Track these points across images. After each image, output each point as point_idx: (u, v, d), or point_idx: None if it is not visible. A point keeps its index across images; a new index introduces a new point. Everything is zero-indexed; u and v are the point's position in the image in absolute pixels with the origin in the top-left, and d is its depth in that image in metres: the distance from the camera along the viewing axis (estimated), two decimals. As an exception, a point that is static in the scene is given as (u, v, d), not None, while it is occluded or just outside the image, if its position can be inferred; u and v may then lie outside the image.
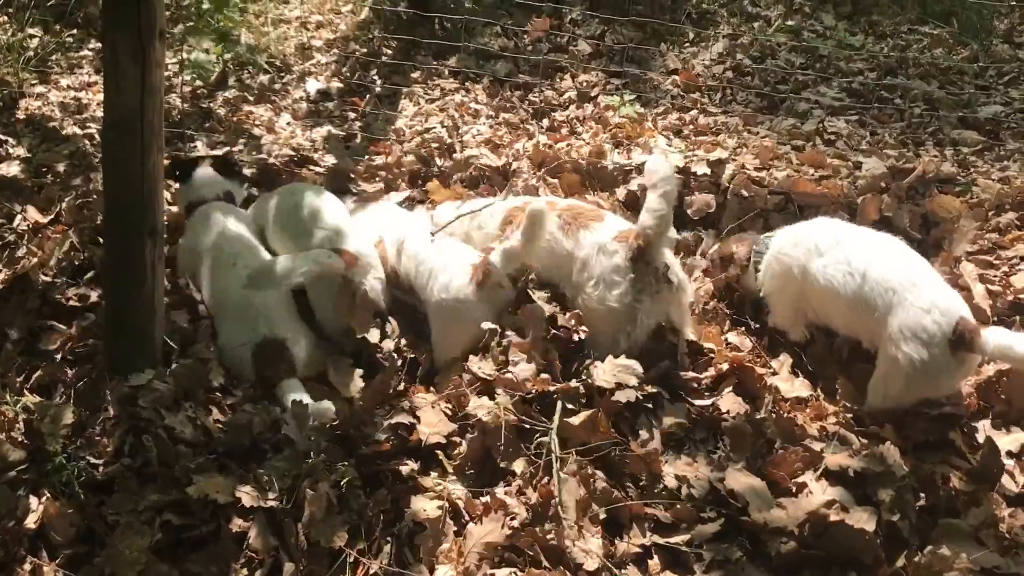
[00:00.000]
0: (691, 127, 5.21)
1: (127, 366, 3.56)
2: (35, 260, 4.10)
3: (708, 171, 4.62)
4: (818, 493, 3.11)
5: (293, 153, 4.96)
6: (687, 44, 6.51)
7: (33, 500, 3.17)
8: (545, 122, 5.47)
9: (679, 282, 3.67)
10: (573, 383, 3.46)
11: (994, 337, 3.33)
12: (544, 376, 3.47)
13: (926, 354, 3.34)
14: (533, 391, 3.45)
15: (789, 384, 3.73)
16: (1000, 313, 3.88)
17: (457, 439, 3.42)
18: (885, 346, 3.46)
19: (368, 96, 5.67)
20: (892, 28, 6.63)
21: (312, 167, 4.81)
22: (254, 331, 3.73)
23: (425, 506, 3.21)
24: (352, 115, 5.55)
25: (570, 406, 3.39)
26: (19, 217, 4.50)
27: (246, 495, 3.14)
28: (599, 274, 3.62)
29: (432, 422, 3.46)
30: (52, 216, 4.43)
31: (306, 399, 3.55)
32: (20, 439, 3.41)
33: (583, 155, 4.68)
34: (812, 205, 4.54)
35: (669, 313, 3.72)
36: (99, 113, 5.65)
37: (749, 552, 3.01)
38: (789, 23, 6.63)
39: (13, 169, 4.95)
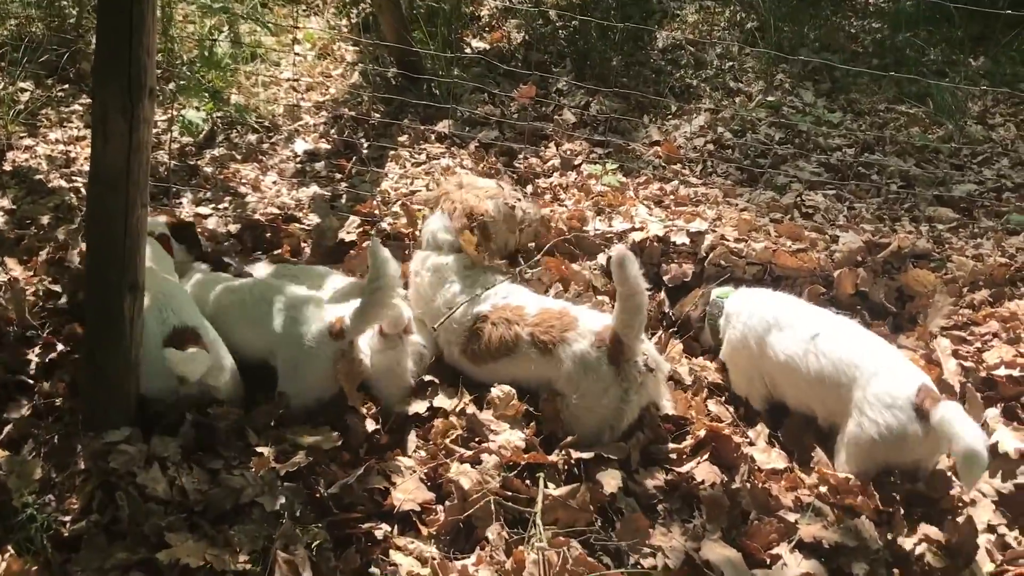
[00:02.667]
0: (671, 197, 5.29)
1: (103, 421, 3.54)
2: (9, 313, 4.08)
3: (687, 240, 4.69)
4: (792, 566, 3.10)
5: (278, 211, 4.99)
6: (669, 116, 6.65)
7: (-2, 558, 3.10)
8: (529, 188, 5.54)
9: (658, 365, 3.75)
10: (556, 458, 3.48)
11: (943, 410, 3.24)
12: (530, 452, 3.49)
13: (891, 418, 3.38)
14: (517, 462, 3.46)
15: (766, 455, 3.74)
16: (977, 387, 3.91)
17: (433, 506, 3.40)
18: (850, 418, 3.51)
19: (354, 157, 5.72)
20: (870, 106, 6.79)
21: (296, 224, 4.84)
22: (163, 323, 3.72)
23: (400, 561, 3.18)
24: (338, 175, 5.60)
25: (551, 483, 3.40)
26: (-1, 270, 4.49)
27: (215, 558, 3.10)
28: (586, 388, 3.65)
29: (408, 488, 3.43)
30: (31, 269, 4.42)
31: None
32: (-15, 494, 3.37)
33: (565, 221, 4.73)
34: (789, 276, 4.61)
35: (652, 396, 3.78)
36: (87, 167, 5.70)
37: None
38: (770, 99, 6.79)
39: (-1, 219, 4.97)
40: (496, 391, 3.72)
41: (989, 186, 5.71)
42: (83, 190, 5.39)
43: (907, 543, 3.29)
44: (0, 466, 3.47)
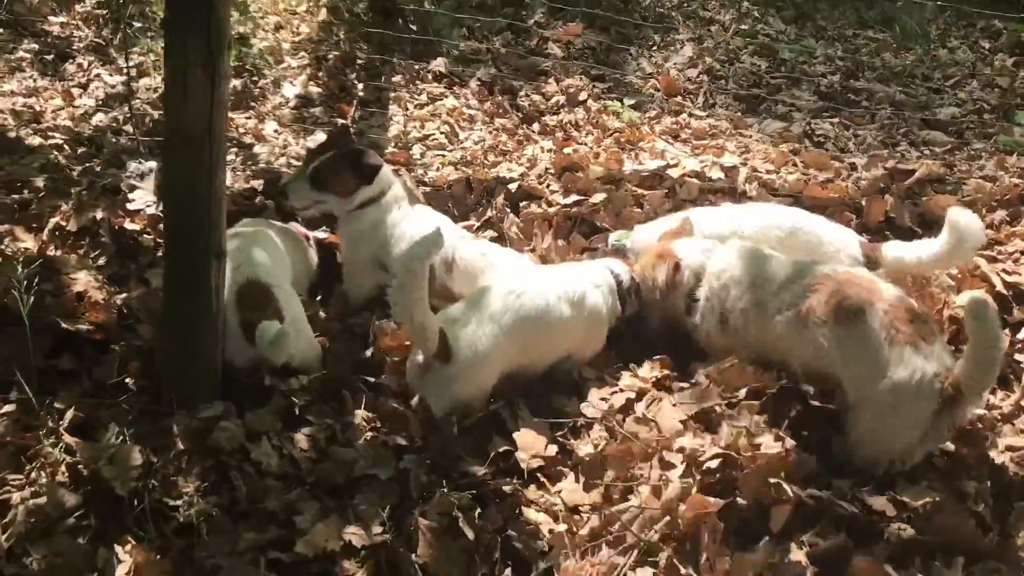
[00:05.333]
0: (688, 131, 5.31)
1: (192, 398, 3.34)
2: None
3: (723, 175, 4.73)
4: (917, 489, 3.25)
5: (298, 162, 4.74)
6: (654, 48, 6.63)
7: (119, 550, 2.91)
8: (536, 127, 5.45)
9: None
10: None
11: (888, 250, 3.90)
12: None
13: None
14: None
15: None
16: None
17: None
18: None
19: (355, 101, 5.47)
20: (837, 32, 6.95)
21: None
22: (235, 271, 3.55)
23: (537, 519, 3.16)
24: (340, 121, 5.35)
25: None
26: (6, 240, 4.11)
27: (354, 535, 3.01)
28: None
29: (527, 443, 3.39)
30: (45, 239, 4.05)
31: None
32: (67, 483, 3.15)
33: (600, 162, 4.69)
34: (820, 207, 4.72)
35: None
36: (60, 121, 5.25)
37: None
38: (743, 27, 6.85)
39: (-15, 184, 4.52)
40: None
41: (969, 108, 5.98)
42: (66, 147, 4.98)
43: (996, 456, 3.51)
44: (77, 453, 3.24)
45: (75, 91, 5.59)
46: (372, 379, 3.66)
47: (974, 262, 4.33)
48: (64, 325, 3.58)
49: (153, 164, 4.49)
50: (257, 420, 3.30)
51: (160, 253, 4.21)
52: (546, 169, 4.63)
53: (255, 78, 5.72)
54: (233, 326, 3.48)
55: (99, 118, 5.26)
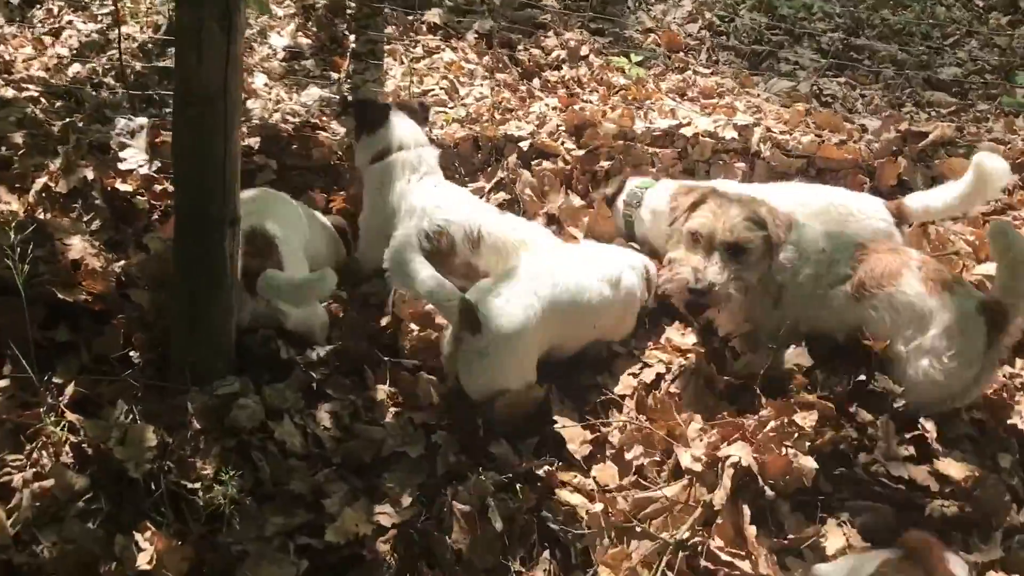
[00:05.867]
0: (696, 89, 5.16)
1: (206, 373, 3.16)
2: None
3: (736, 135, 4.60)
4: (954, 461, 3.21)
5: (293, 119, 4.49)
6: (652, 1, 6.43)
7: (138, 537, 2.75)
8: (536, 82, 5.25)
9: None
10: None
11: (912, 201, 3.91)
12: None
13: None
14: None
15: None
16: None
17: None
18: None
19: (348, 54, 5.21)
20: (835, -13, 6.82)
21: (324, 134, 4.38)
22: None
23: (571, 500, 3.06)
24: (335, 75, 5.10)
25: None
26: (-10, 200, 3.84)
27: (384, 516, 2.88)
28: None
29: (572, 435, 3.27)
30: (31, 200, 3.79)
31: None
32: (72, 464, 2.97)
33: (613, 119, 4.53)
34: (833, 169, 4.63)
35: None
36: (35, 72, 4.92)
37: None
38: (737, -21, 6.69)
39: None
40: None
41: (970, 68, 5.91)
42: (43, 100, 4.67)
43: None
44: (81, 432, 3.04)
45: (46, 39, 5.24)
46: (392, 353, 3.51)
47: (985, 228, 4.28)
48: (61, 295, 3.35)
49: (144, 120, 4.23)
50: (277, 396, 3.14)
51: (155, 216, 4.00)
52: (557, 127, 4.46)
53: (240, 27, 5.40)
54: None
55: (76, 69, 4.94)
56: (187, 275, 3.11)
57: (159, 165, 4.05)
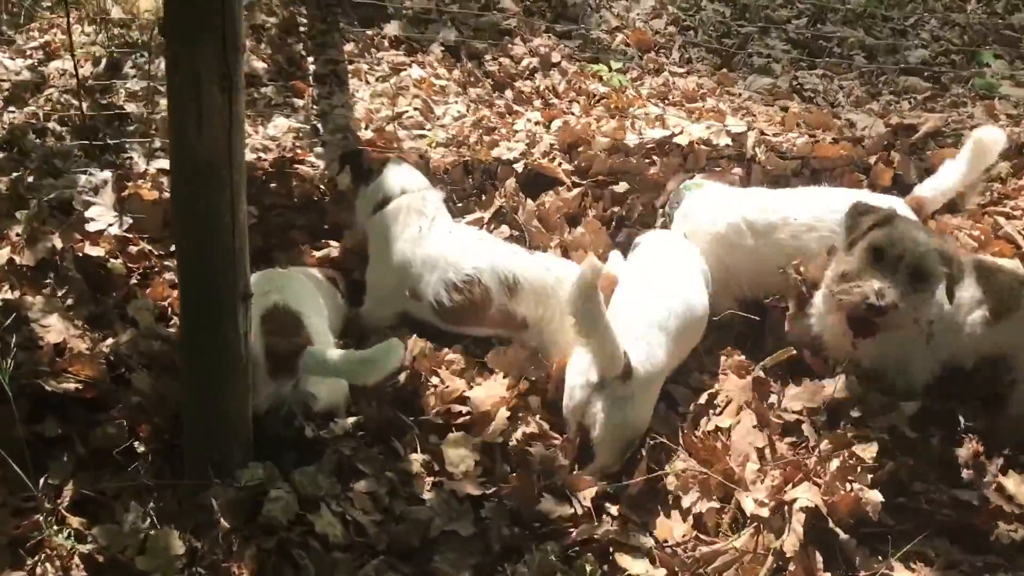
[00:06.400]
0: (677, 93, 5.00)
1: (226, 464, 2.87)
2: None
3: (730, 141, 4.46)
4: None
5: (264, 153, 4.16)
6: (611, -3, 6.23)
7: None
8: (508, 93, 5.01)
9: None
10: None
11: (924, 191, 3.87)
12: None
13: None
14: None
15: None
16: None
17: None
18: None
19: (309, 77, 4.88)
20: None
21: (302, 167, 4.07)
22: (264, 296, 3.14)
23: (633, 569, 2.89)
24: (299, 101, 4.76)
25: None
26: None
27: (440, 609, 2.67)
28: None
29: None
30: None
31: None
32: (85, 579, 2.68)
33: (606, 133, 4.33)
34: (829, 168, 4.53)
35: None
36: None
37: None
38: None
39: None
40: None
41: (936, 49, 5.88)
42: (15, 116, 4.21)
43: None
44: (95, 540, 2.74)
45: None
46: (414, 412, 3.26)
47: (995, 222, 4.24)
48: (50, 387, 3.01)
49: (107, 175, 3.86)
50: (310, 482, 2.87)
51: (133, 281, 3.65)
52: (552, 146, 4.23)
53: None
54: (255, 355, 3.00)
55: (12, 115, 4.49)
56: (198, 358, 2.80)
57: (130, 222, 3.70)
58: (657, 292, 3.29)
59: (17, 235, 3.52)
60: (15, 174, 4.06)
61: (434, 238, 3.56)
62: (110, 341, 3.25)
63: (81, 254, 3.50)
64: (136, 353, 3.24)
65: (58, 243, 3.48)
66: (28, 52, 4.92)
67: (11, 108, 4.52)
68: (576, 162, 4.16)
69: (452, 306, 3.50)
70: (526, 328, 3.52)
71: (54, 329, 3.21)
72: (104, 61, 4.84)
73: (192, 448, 2.91)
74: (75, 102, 4.52)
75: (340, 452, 2.97)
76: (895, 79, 5.55)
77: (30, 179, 4.03)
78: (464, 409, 3.26)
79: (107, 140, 4.24)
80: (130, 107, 4.59)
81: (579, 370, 3.11)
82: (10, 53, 4.94)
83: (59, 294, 3.35)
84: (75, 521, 2.80)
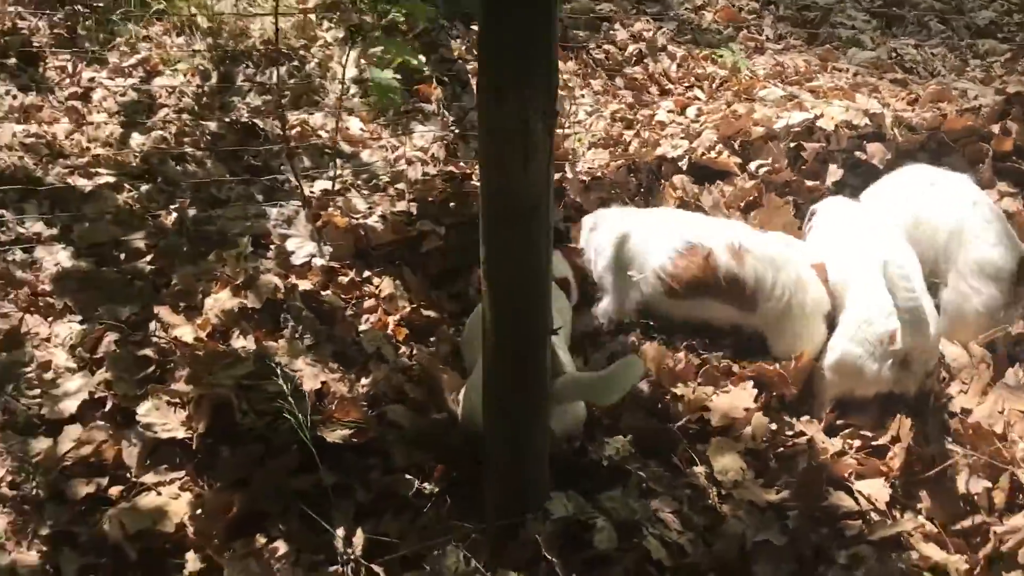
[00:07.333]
0: (791, 71, 5.04)
1: (532, 497, 2.85)
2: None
3: (867, 121, 4.54)
4: None
5: (425, 168, 4.06)
6: (679, -27, 6.19)
7: None
8: (619, 81, 4.98)
9: None
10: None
11: None
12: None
13: None
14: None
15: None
16: None
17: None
18: None
19: (433, 80, 4.74)
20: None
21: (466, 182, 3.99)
22: None
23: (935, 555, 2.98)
24: (428, 106, 4.63)
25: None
26: (156, 327, 3.31)
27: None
28: None
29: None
30: (213, 322, 3.27)
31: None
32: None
33: (760, 120, 4.36)
34: (957, 140, 4.65)
35: None
36: (97, 151, 4.20)
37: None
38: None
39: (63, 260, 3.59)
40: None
41: (998, 9, 6.05)
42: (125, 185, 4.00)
43: None
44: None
45: (72, 104, 4.49)
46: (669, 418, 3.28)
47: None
48: (329, 437, 2.93)
49: (297, 203, 3.71)
50: (622, 507, 2.87)
51: (348, 312, 3.53)
52: (715, 141, 4.24)
53: (295, 62, 4.81)
54: None
55: (137, 140, 4.27)
56: (508, 394, 2.76)
57: (330, 251, 3.58)
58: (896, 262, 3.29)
59: (226, 276, 3.37)
60: (172, 207, 3.88)
61: (647, 216, 3.60)
62: (366, 380, 3.17)
63: (302, 291, 3.39)
64: (390, 389, 3.18)
65: (276, 281, 3.36)
66: (126, 70, 4.66)
67: (135, 133, 4.29)
68: (741, 151, 4.18)
69: (678, 274, 3.49)
70: (754, 309, 3.53)
71: (306, 373, 3.12)
72: (215, 75, 4.61)
73: (501, 484, 2.87)
74: (201, 122, 4.32)
75: (639, 474, 2.98)
76: (973, 42, 5.70)
77: (191, 212, 3.86)
78: (715, 416, 3.30)
79: (253, 159, 4.07)
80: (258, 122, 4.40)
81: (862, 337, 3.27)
82: (107, 72, 4.66)
83: (296, 335, 3.24)
84: (379, 570, 2.76)
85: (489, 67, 2.42)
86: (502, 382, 2.77)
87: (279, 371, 2.99)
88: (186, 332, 3.28)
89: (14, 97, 4.46)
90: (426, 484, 2.96)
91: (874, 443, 3.34)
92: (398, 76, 3.80)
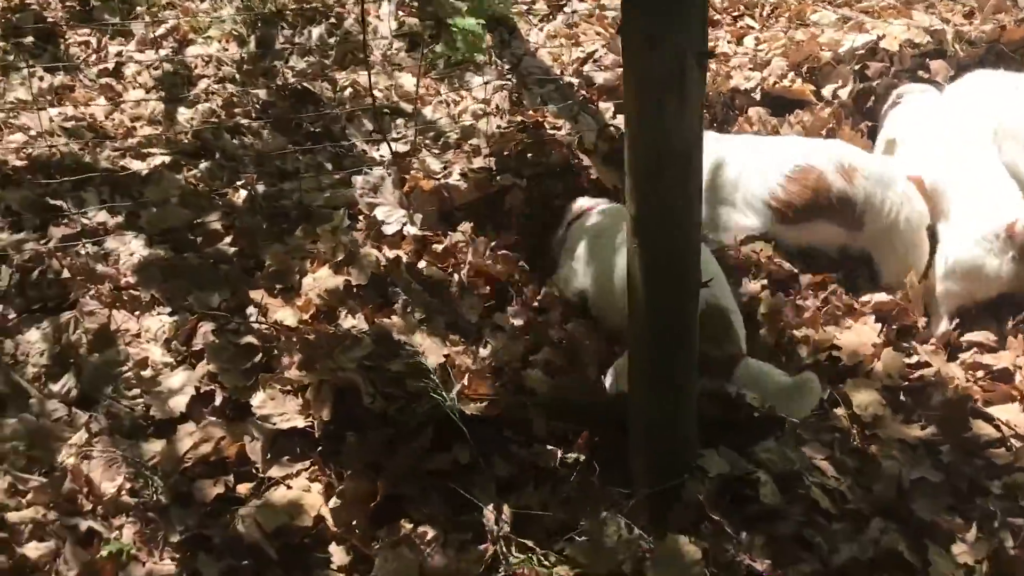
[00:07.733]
0: (839, -7, 4.91)
1: (681, 457, 2.76)
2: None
3: (928, 39, 4.44)
4: None
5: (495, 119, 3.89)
6: None
7: None
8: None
9: None
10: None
11: None
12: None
13: None
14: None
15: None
16: None
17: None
18: None
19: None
20: None
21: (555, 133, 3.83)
22: None
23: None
24: (479, 56, 4.41)
25: None
26: (253, 312, 3.15)
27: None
28: None
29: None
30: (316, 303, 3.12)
31: None
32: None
33: (826, 44, 4.25)
34: (1016, 50, 4.56)
35: None
36: (145, 131, 3.96)
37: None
38: None
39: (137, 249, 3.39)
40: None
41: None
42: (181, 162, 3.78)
43: None
44: (579, 561, 2.61)
45: (104, 81, 4.23)
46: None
47: None
48: (468, 411, 2.81)
49: (381, 171, 3.53)
50: (780, 459, 2.78)
51: (448, 281, 3.38)
52: (785, 69, 4.11)
53: (331, 20, 4.56)
54: None
55: (184, 115, 4.03)
56: (660, 353, 2.65)
57: (420, 217, 3.42)
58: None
59: (320, 252, 3.20)
60: (239, 183, 3.69)
61: (737, 141, 3.57)
62: (487, 351, 3.04)
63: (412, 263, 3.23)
64: (512, 358, 3.05)
65: (376, 254, 3.20)
66: (156, 41, 4.39)
67: (180, 108, 4.05)
68: (810, 78, 4.07)
69: (790, 199, 3.42)
70: (861, 228, 3.48)
71: (429, 348, 2.98)
72: (252, 39, 4.37)
73: (653, 445, 2.78)
74: (249, 91, 4.09)
75: (790, 420, 2.90)
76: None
77: (260, 187, 3.67)
78: (845, 354, 3.23)
79: (311, 127, 3.87)
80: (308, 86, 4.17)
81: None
82: (135, 45, 4.39)
83: (406, 309, 3.10)
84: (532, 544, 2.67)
85: (641, 13, 2.27)
86: (653, 341, 2.66)
87: (405, 349, 2.86)
88: (287, 315, 3.13)
89: (40, 78, 4.19)
90: (570, 454, 2.87)
91: (995, 368, 3.31)
92: (482, 21, 3.60)
